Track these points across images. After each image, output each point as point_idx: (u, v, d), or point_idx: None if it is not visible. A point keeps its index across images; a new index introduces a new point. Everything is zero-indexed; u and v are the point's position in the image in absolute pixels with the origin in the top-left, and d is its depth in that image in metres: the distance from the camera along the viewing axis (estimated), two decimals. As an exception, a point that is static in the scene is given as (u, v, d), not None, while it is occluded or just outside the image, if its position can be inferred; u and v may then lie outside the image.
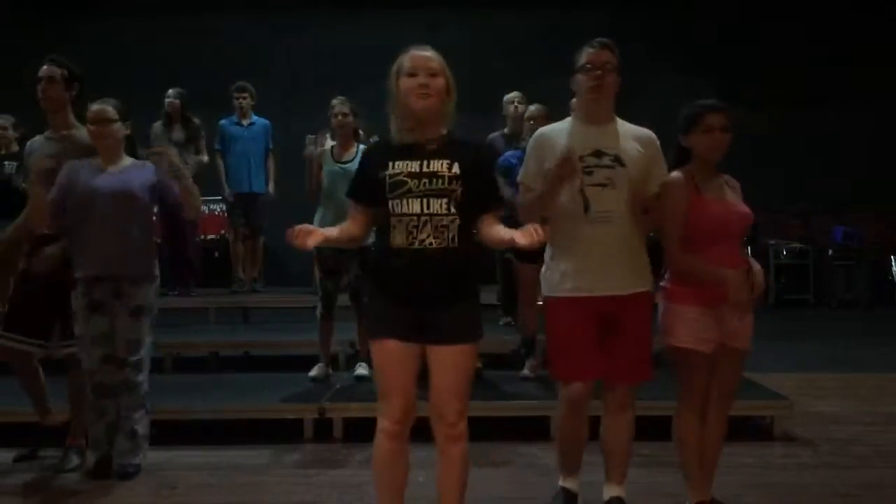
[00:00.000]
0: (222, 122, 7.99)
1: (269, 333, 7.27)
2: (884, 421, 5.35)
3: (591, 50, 3.41)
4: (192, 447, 4.61)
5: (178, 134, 7.73)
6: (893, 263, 10.54)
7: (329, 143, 5.83)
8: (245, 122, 7.97)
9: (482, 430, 4.83)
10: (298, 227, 2.94)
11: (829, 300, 10.59)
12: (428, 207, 2.89)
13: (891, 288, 10.53)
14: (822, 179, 10.34)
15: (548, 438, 4.62)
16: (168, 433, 4.77)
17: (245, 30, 10.88)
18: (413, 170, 2.91)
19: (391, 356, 2.99)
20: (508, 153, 5.65)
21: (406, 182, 2.90)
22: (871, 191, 10.30)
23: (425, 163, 2.92)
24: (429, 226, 2.89)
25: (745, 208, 3.49)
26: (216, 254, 9.41)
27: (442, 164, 2.92)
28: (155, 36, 10.67)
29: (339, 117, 5.50)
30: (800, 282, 10.77)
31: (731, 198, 3.50)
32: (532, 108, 5.80)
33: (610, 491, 3.62)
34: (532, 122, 5.38)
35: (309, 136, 7.34)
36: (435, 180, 2.90)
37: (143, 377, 4.29)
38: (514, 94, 6.68)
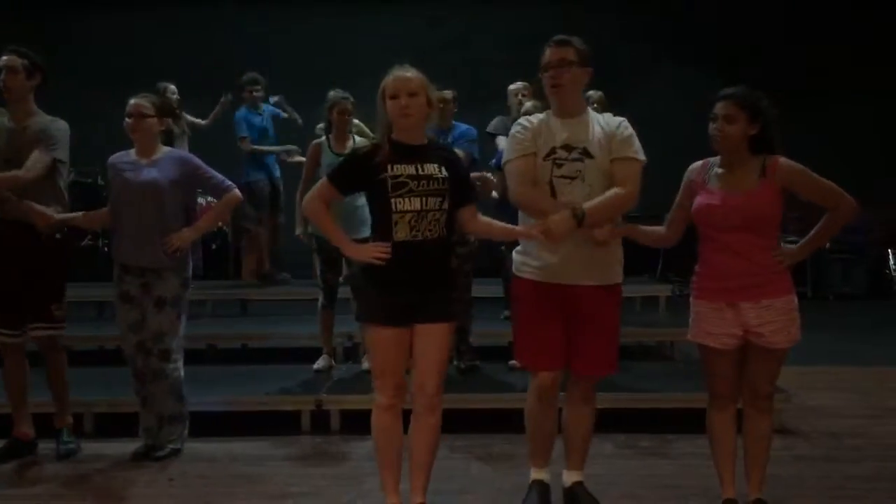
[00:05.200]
0: (238, 113, 7.95)
1: (267, 325, 7.27)
2: (880, 414, 5.36)
3: (548, 49, 3.47)
4: (190, 439, 4.61)
5: (177, 129, 7.71)
6: (891, 257, 10.54)
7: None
8: (259, 112, 8.02)
9: (481, 423, 4.87)
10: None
11: (826, 293, 10.59)
12: (425, 204, 3.26)
13: (888, 281, 10.53)
14: (821, 172, 10.28)
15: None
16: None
17: (244, 23, 10.85)
18: (411, 172, 3.27)
19: (387, 342, 3.33)
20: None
21: (407, 183, 3.25)
22: (869, 184, 10.27)
23: (420, 166, 3.29)
24: (426, 220, 3.27)
25: (744, 200, 3.34)
26: (213, 246, 9.43)
27: (434, 168, 3.31)
28: (154, 30, 10.64)
29: (342, 114, 5.55)
30: (797, 275, 10.55)
31: (749, 188, 3.36)
32: (528, 104, 5.79)
33: (570, 477, 3.70)
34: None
35: (319, 126, 7.34)
36: (431, 182, 3.28)
37: (171, 366, 4.40)
38: (519, 85, 6.65)
